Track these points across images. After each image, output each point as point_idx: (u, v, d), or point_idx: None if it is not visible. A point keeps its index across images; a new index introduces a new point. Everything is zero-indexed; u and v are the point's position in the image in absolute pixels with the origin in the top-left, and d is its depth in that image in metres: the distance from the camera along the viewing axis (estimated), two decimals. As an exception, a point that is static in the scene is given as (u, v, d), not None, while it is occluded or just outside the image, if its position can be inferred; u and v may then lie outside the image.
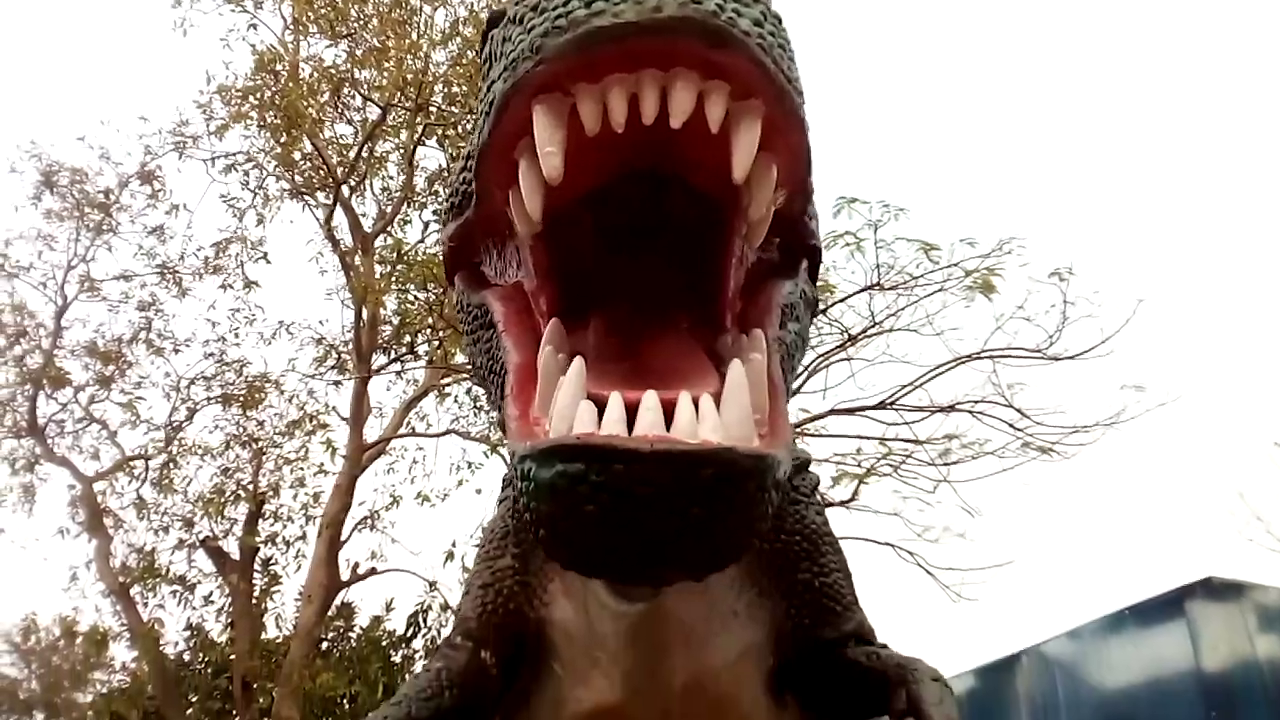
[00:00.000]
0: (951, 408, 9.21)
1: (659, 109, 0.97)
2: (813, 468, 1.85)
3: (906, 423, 9.44)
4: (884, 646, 1.59)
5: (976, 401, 9.07)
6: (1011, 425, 8.98)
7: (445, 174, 11.12)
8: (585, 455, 0.85)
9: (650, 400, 0.94)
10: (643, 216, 1.25)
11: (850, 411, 9.61)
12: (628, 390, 0.96)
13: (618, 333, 1.18)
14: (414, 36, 11.10)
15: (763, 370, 1.07)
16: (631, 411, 0.93)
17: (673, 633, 1.45)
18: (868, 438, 9.69)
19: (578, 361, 1.00)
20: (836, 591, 1.63)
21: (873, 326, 9.32)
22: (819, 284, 1.54)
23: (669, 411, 0.93)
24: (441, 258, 1.44)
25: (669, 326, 1.19)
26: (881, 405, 9.48)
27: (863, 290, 9.15)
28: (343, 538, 11.01)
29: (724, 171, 1.03)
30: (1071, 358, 8.75)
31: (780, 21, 1.03)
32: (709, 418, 0.93)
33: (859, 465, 9.66)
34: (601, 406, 0.94)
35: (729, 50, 0.95)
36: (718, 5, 0.94)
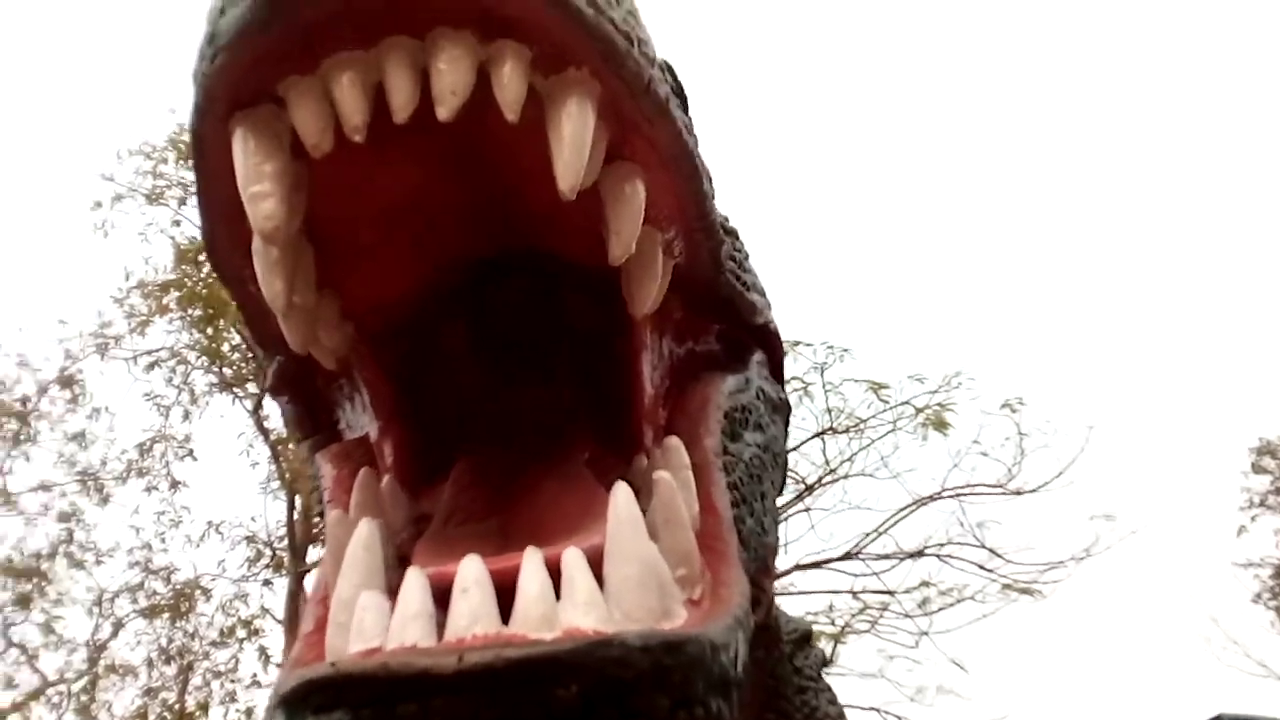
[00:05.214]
0: (920, 553, 8.77)
1: (463, 104, 0.60)
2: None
3: (875, 573, 8.97)
4: None
5: (944, 544, 8.64)
6: (982, 566, 8.55)
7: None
8: (348, 695, 0.50)
9: (470, 574, 0.56)
10: (527, 321, 0.88)
11: (816, 565, 9.10)
12: (453, 562, 0.58)
13: (486, 480, 0.80)
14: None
15: (676, 497, 0.67)
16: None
17: None
18: (838, 591, 9.17)
19: (361, 528, 0.64)
20: None
21: (828, 474, 8.97)
22: None
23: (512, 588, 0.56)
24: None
25: (560, 461, 0.81)
26: (848, 556, 9.02)
27: (815, 436, 8.86)
28: (281, 756, 10.02)
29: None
30: (1034, 491, 8.43)
31: None
32: (580, 589, 0.55)
33: (833, 623, 9.08)
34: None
35: None
36: None
